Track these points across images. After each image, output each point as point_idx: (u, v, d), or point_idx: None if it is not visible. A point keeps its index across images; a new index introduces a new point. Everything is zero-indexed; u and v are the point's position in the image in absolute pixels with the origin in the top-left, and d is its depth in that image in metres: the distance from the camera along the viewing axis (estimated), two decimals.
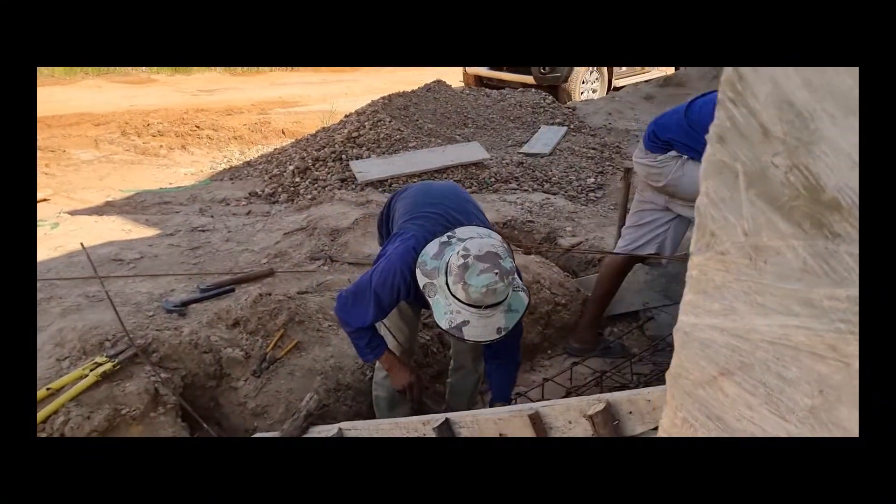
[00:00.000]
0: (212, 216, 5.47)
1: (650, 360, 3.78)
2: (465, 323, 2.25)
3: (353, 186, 5.75)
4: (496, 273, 2.17)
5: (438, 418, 1.81)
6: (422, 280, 2.35)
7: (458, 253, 2.23)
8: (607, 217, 5.47)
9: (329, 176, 5.96)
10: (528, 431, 1.55)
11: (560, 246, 4.91)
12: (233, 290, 3.74)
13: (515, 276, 2.31)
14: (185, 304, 3.55)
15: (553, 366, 3.94)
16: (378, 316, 2.54)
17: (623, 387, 3.53)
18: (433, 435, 1.87)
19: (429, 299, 2.34)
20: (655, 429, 1.39)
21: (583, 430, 1.47)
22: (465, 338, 2.28)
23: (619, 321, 4.30)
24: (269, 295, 3.35)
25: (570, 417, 1.48)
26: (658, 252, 3.56)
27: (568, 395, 3.27)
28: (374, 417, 3.19)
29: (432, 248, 2.38)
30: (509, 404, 2.66)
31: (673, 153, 3.16)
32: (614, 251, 3.81)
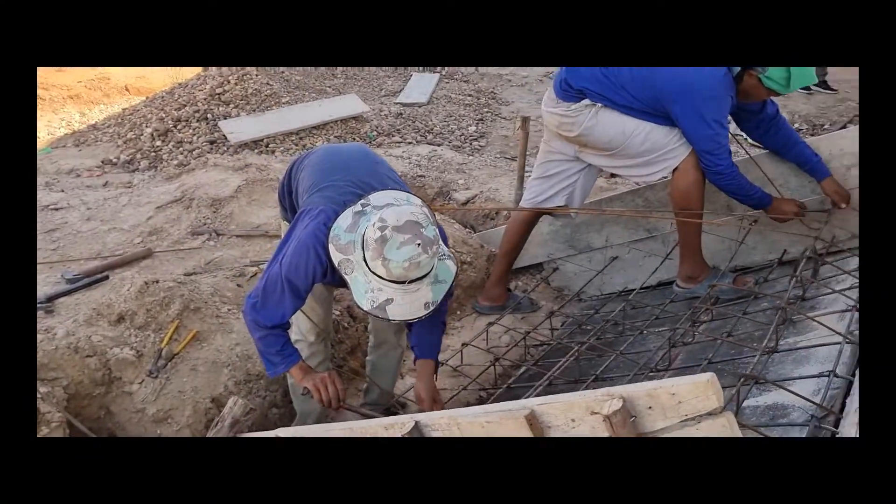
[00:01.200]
0: (62, 190, 4.83)
1: (561, 312, 3.74)
2: (389, 301, 2.05)
3: (226, 149, 5.28)
4: (418, 244, 1.97)
5: (405, 421, 1.61)
6: (336, 257, 2.11)
7: (373, 225, 2.01)
8: (497, 167, 5.37)
9: (196, 138, 5.44)
10: (522, 434, 1.38)
11: (457, 201, 4.76)
12: (106, 277, 3.30)
13: (440, 244, 2.10)
14: (51, 298, 3.09)
15: (465, 327, 3.81)
16: (296, 305, 2.28)
17: (542, 344, 3.47)
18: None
19: (345, 277, 2.10)
20: (678, 424, 1.27)
21: (589, 428, 1.32)
22: (390, 317, 2.08)
23: (522, 274, 4.23)
24: (157, 282, 2.96)
25: (573, 415, 1.33)
26: (567, 203, 3.48)
27: (497, 361, 3.16)
28: (290, 405, 2.94)
29: (345, 219, 2.14)
30: (437, 365, 2.54)
31: (587, 101, 3.04)
32: (520, 205, 3.70)
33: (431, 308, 2.13)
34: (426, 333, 2.49)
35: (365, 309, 2.10)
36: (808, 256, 2.77)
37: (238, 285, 3.24)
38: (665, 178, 3.22)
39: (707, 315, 3.02)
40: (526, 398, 2.53)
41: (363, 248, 2.04)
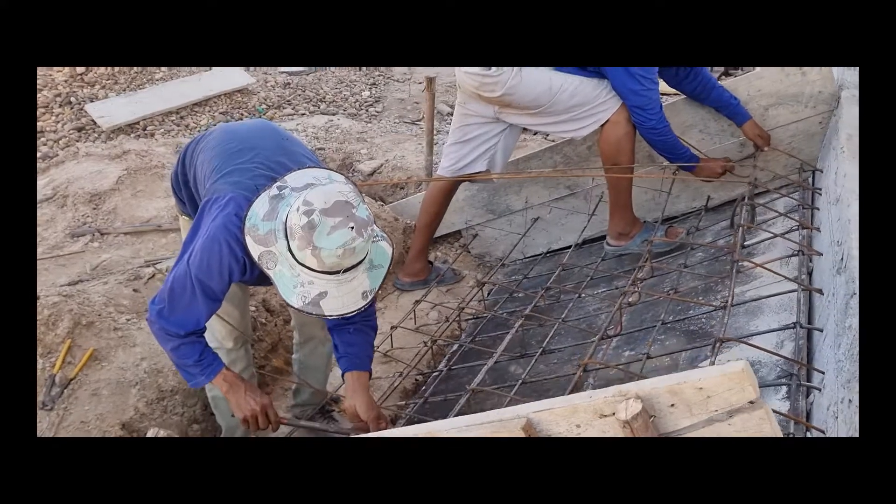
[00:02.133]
0: None
1: (492, 282, 3.58)
2: (323, 295, 1.81)
3: (97, 136, 4.74)
4: (351, 227, 1.73)
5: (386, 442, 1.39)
6: (256, 250, 1.83)
7: (297, 209, 1.75)
8: (399, 133, 5.12)
9: (60, 126, 4.85)
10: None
11: (361, 172, 4.48)
12: None
13: (374, 224, 1.87)
14: None
15: (388, 307, 3.58)
16: (212, 309, 2.00)
17: (475, 317, 3.31)
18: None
19: (267, 272, 1.84)
20: (705, 421, 1.11)
21: (598, 433, 1.15)
22: (326, 313, 1.84)
23: (440, 244, 4.03)
24: (37, 298, 2.56)
25: (578, 420, 1.16)
26: (489, 168, 3.29)
27: (433, 343, 2.97)
28: (212, 418, 2.64)
29: (261, 206, 1.86)
30: (370, 376, 2.26)
31: None
32: (438, 173, 3.48)
33: (370, 297, 1.90)
34: (356, 341, 2.18)
35: (296, 306, 1.84)
36: (743, 202, 2.70)
37: (135, 290, 2.87)
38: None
39: (644, 272, 2.93)
40: (475, 383, 2.36)
41: (287, 237, 1.78)
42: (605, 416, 1.13)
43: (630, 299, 2.65)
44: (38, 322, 2.49)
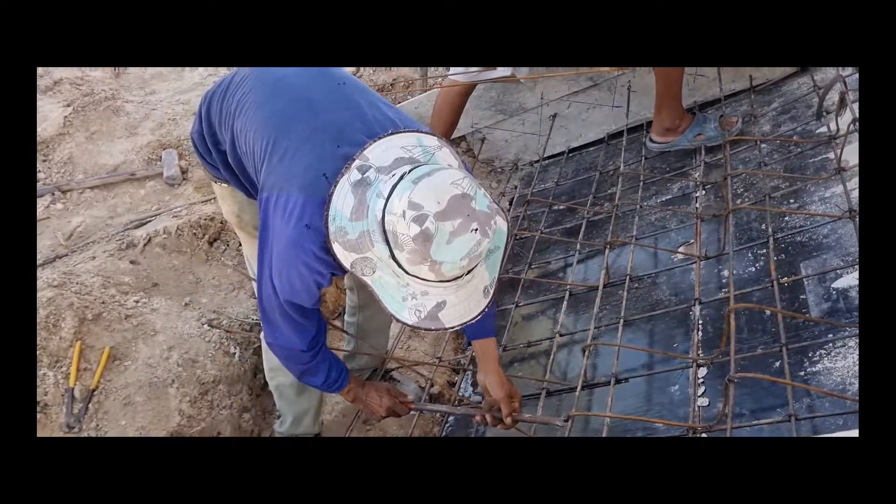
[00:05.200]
0: None
1: (524, 193, 3.25)
2: (441, 306, 1.43)
3: None
4: (475, 230, 1.32)
5: None
6: (347, 258, 1.42)
7: (402, 215, 1.31)
8: None
9: None
10: None
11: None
12: None
13: (494, 205, 1.42)
14: None
15: None
16: (313, 324, 1.69)
17: (518, 238, 2.98)
18: None
19: (364, 279, 1.44)
20: None
21: None
22: (447, 326, 1.46)
23: None
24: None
25: None
26: (512, 72, 2.87)
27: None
28: (259, 401, 2.31)
29: (344, 202, 1.42)
30: (497, 344, 1.98)
31: None
32: (451, 77, 3.04)
33: (491, 292, 1.51)
34: None
35: (409, 324, 1.44)
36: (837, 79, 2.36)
37: (133, 262, 2.41)
38: None
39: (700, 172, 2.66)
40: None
41: (387, 242, 1.36)
42: None
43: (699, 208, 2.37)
44: (37, 327, 2.03)
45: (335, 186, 1.43)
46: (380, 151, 1.46)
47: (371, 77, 3.88)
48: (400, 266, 1.37)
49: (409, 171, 1.36)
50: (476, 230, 1.32)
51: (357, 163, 1.44)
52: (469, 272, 1.40)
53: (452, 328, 1.48)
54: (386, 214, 1.35)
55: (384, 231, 1.35)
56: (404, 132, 1.53)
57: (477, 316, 1.49)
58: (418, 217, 1.29)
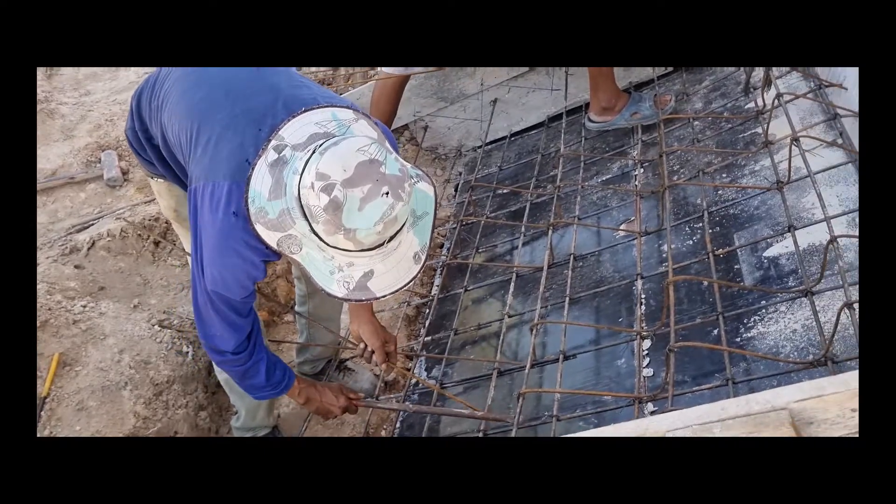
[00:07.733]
0: None
1: (466, 179, 3.29)
2: (369, 275, 1.44)
3: None
4: (386, 193, 1.33)
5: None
6: (272, 238, 1.43)
7: (311, 187, 1.33)
8: None
9: None
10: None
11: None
12: None
13: (406, 168, 1.45)
14: None
15: None
16: (247, 322, 1.68)
17: (463, 224, 3.03)
18: None
19: (293, 257, 1.45)
20: None
21: None
22: (379, 294, 1.48)
23: None
24: None
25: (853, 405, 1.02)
26: None
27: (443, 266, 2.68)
28: (215, 398, 2.31)
29: (261, 182, 1.43)
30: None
31: None
32: (384, 69, 3.06)
33: (423, 258, 1.52)
34: None
35: (339, 296, 1.46)
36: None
37: (78, 267, 2.38)
38: None
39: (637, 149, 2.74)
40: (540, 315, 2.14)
41: (306, 217, 1.37)
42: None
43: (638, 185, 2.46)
44: None
45: (252, 169, 1.44)
46: (294, 129, 1.47)
47: (310, 70, 3.87)
48: (321, 239, 1.38)
49: (321, 144, 1.38)
50: (387, 194, 1.32)
51: (273, 143, 1.45)
52: (392, 238, 1.40)
53: (384, 296, 1.50)
54: (301, 189, 1.36)
55: (301, 206, 1.37)
56: (317, 108, 1.53)
57: (410, 282, 1.51)
58: (326, 186, 1.30)
